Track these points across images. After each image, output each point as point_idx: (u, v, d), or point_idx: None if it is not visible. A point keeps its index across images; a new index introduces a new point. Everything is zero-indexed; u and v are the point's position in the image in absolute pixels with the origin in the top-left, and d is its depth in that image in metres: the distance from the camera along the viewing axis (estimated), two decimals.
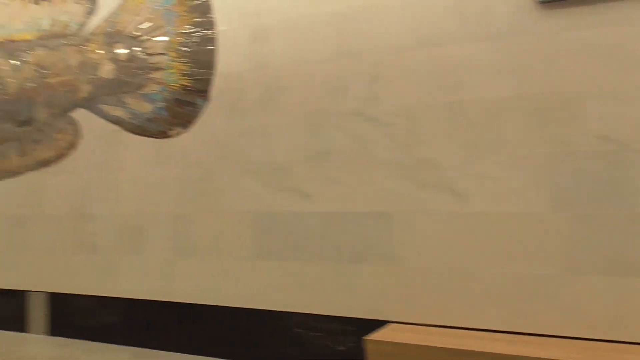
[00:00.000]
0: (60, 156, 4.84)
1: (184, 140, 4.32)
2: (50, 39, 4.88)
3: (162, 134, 4.40)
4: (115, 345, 4.49)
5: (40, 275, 4.98)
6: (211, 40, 4.19)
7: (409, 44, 3.56)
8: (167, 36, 4.36)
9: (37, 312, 4.96)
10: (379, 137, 3.62)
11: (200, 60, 4.24)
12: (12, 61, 5.05)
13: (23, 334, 4.97)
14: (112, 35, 4.61)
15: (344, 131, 3.73)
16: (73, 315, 4.84)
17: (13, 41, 5.07)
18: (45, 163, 4.92)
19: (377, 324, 3.46)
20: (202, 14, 4.22)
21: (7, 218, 5.14)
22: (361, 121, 3.68)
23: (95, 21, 4.68)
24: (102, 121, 4.63)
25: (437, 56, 3.49)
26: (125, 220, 4.56)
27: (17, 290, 5.05)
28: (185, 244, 4.31)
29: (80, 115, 4.74)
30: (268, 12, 4.00)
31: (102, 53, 4.65)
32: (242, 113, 4.09)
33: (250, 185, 4.04)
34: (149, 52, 4.44)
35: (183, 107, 4.32)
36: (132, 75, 4.50)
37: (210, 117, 4.22)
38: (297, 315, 3.84)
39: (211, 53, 4.19)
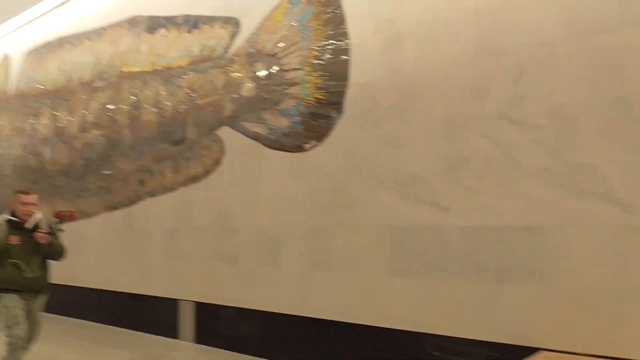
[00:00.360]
0: (207, 172, 5.14)
1: (317, 153, 4.31)
2: (199, 63, 5.25)
3: (298, 148, 4.44)
4: (254, 358, 4.55)
5: (189, 284, 5.28)
6: (345, 51, 4.16)
7: (559, 36, 3.15)
8: (303, 51, 4.43)
9: (186, 320, 5.25)
10: (525, 142, 3.23)
11: (334, 72, 4.22)
12: (168, 87, 5.53)
13: (174, 340, 5.29)
14: (253, 55, 4.81)
15: (486, 136, 3.41)
16: (217, 324, 5.04)
17: (169, 68, 5.55)
18: (194, 179, 5.26)
19: (526, 351, 3.04)
20: (336, 25, 4.21)
21: (163, 230, 5.57)
22: (505, 125, 3.33)
23: (238, 43, 4.93)
24: (242, 137, 4.83)
25: (593, 47, 3.03)
26: (263, 233, 4.66)
27: (170, 299, 5.42)
28: (319, 257, 4.26)
29: (224, 132, 5.00)
30: (402, 17, 3.85)
31: (244, 73, 4.87)
32: (374, 122, 3.96)
33: (384, 197, 3.88)
34: (285, 68, 4.54)
35: (318, 120, 4.32)
36: (270, 92, 4.64)
37: (343, 128, 4.16)
38: (433, 337, 3.54)
39: (345, 64, 4.15)
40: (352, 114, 4.10)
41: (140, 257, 5.69)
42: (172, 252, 5.47)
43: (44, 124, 7.21)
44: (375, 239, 3.93)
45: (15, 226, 3.78)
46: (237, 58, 4.93)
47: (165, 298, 5.47)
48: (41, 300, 3.91)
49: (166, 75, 5.57)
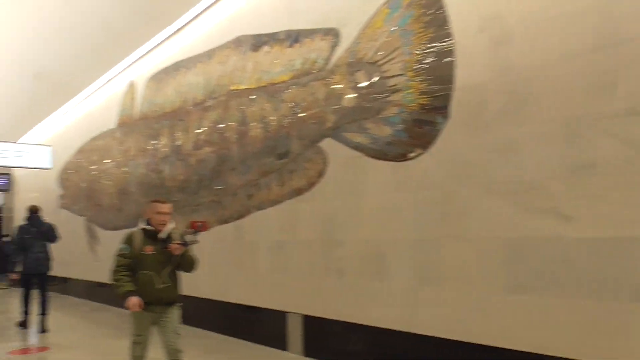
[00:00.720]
0: (311, 184, 5.12)
1: (423, 162, 4.10)
2: (301, 76, 5.28)
3: (402, 157, 4.26)
4: None
5: (296, 297, 5.28)
6: (449, 52, 3.93)
7: None
8: (405, 56, 4.26)
9: (295, 333, 5.25)
10: None
11: (438, 76, 4.01)
12: (272, 102, 5.62)
13: (283, 352, 5.31)
14: (353, 65, 4.73)
15: (613, 137, 3.00)
16: (325, 338, 4.98)
17: (273, 84, 5.65)
18: (299, 191, 5.27)
19: None
20: (438, 27, 4.00)
21: (270, 243, 5.64)
22: (636, 123, 2.92)
23: (338, 53, 4.87)
24: (345, 148, 4.75)
25: None
26: (368, 246, 4.52)
27: (278, 311, 5.45)
28: (427, 272, 4.03)
29: (326, 144, 4.95)
30: (510, 12, 3.55)
31: (344, 83, 4.80)
32: (484, 127, 3.68)
33: (497, 206, 3.57)
34: (387, 75, 4.40)
35: (422, 127, 4.12)
36: (372, 101, 4.52)
37: (449, 134, 3.92)
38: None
39: (449, 66, 3.92)
40: (459, 118, 3.85)
41: (250, 269, 5.81)
42: (279, 264, 5.51)
43: (163, 143, 7.70)
44: (488, 252, 3.63)
45: (149, 235, 3.76)
46: (337, 69, 4.88)
47: (274, 310, 5.51)
48: (176, 312, 3.82)
49: (270, 90, 5.67)
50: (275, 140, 5.55)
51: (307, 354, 5.10)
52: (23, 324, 7.34)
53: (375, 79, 4.51)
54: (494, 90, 3.62)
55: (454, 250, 3.85)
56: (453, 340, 3.79)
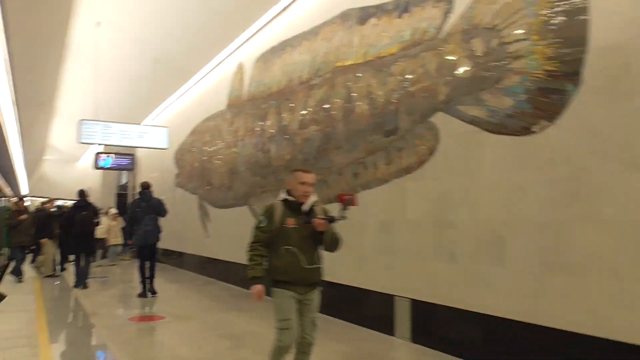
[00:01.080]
0: (420, 162, 4.84)
1: (550, 135, 3.67)
2: (411, 48, 4.98)
3: (524, 130, 3.85)
4: None
5: (404, 280, 5.06)
6: (582, 10, 3.45)
7: None
8: (528, 18, 3.82)
9: (403, 317, 5.03)
10: None
11: (568, 37, 3.54)
12: (379, 76, 5.38)
13: (390, 336, 5.13)
14: (469, 32, 4.35)
15: None
16: (434, 324, 4.72)
17: (380, 57, 5.40)
18: (407, 170, 5.01)
19: None
20: None
21: (376, 223, 5.45)
22: None
23: (452, 20, 4.52)
24: (459, 123, 4.41)
25: None
26: (485, 228, 4.18)
27: (385, 294, 5.26)
28: (554, 258, 3.62)
29: (438, 119, 4.64)
30: None
31: (459, 52, 4.44)
32: (626, 93, 3.19)
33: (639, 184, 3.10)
34: (507, 41, 3.99)
35: (548, 96, 3.68)
36: (489, 70, 4.13)
37: (582, 103, 3.45)
38: None
39: (582, 26, 3.44)
40: (594, 85, 3.38)
41: (356, 250, 5.67)
42: (387, 245, 5.31)
43: (270, 123, 7.77)
44: (628, 237, 3.17)
45: (291, 207, 3.33)
46: (450, 37, 4.53)
47: (381, 293, 5.33)
48: (316, 297, 3.35)
49: (377, 64, 5.43)
50: (383, 117, 5.32)
51: (414, 340, 4.88)
52: (142, 295, 7.96)
53: (493, 45, 4.11)
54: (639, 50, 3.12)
55: (585, 235, 3.41)
56: (585, 335, 3.38)
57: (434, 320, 4.71)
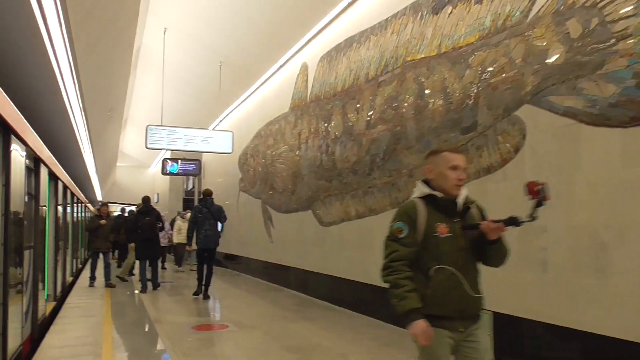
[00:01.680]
0: (504, 161, 4.38)
1: None
2: (492, 36, 4.53)
3: (633, 121, 3.34)
4: None
5: (487, 290, 4.57)
6: None
7: None
8: None
9: (483, 331, 4.56)
10: None
11: None
12: (455, 69, 4.96)
13: None
14: (562, 12, 3.86)
15: None
16: (520, 340, 4.22)
17: (457, 48, 4.98)
18: (488, 169, 4.55)
19: None
20: None
21: None
22: None
23: (541, 1, 4.04)
24: (550, 115, 3.92)
25: None
26: (583, 234, 3.67)
27: None
28: None
29: (525, 112, 4.16)
30: None
31: (550, 36, 3.96)
32: None
33: None
34: (611, 19, 3.48)
35: None
36: (589, 54, 3.63)
37: None
38: None
39: None
40: None
41: None
42: None
43: (334, 124, 7.47)
44: None
45: (441, 207, 2.31)
46: (540, 20, 4.06)
47: None
48: (486, 328, 2.25)
49: (453, 56, 5.01)
50: (459, 113, 4.89)
51: (498, 357, 4.39)
52: (196, 293, 8.42)
53: (593, 25, 3.61)
54: None
55: None
56: None
57: (521, 337, 4.22)
